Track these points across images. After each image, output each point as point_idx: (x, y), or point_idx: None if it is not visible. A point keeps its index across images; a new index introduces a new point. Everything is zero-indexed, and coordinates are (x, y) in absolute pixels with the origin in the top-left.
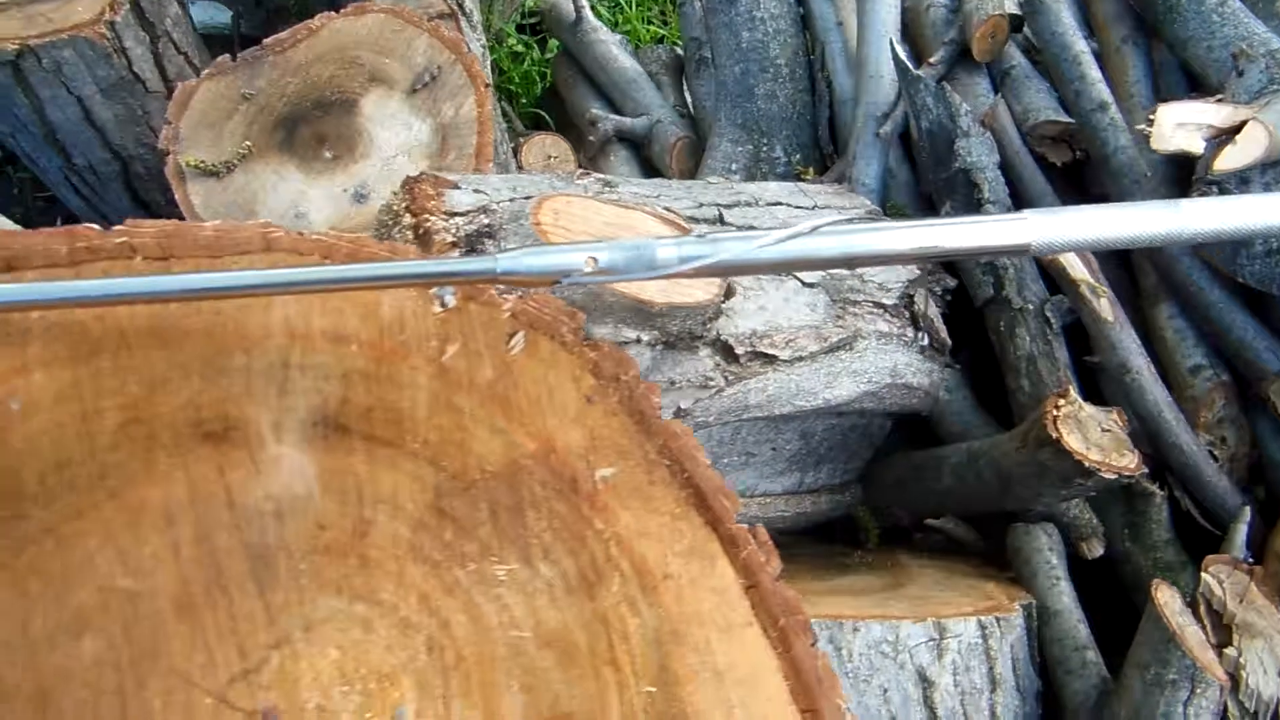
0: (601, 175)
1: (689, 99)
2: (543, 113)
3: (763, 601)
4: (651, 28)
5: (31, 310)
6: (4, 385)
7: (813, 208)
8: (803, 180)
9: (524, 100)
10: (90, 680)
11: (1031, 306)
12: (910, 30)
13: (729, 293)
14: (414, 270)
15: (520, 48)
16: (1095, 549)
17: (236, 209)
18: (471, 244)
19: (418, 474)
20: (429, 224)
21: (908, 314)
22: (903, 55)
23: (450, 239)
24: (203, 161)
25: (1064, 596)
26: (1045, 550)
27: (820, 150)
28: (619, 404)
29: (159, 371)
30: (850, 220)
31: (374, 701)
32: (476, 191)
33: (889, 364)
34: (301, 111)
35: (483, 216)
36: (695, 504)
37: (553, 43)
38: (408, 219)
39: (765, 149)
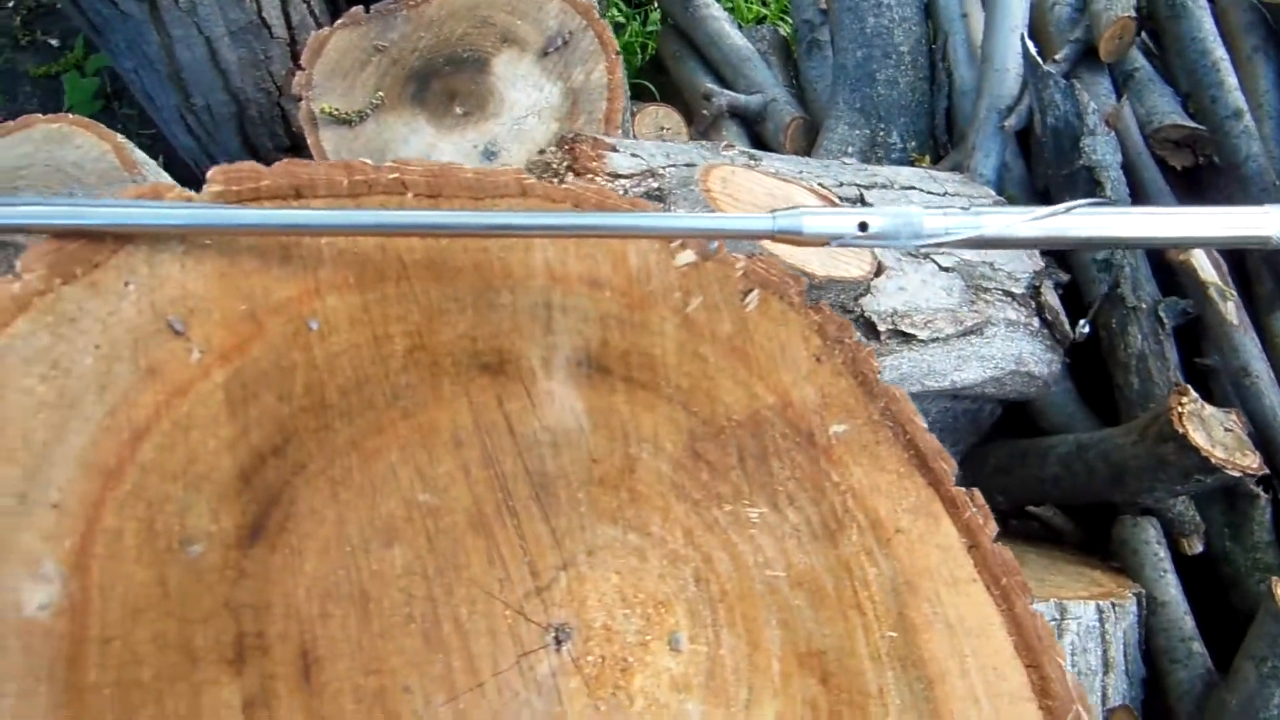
0: (744, 149)
1: (798, 80)
2: (647, 84)
3: (984, 561)
4: (754, 7)
5: (324, 235)
6: (303, 306)
7: (943, 194)
8: (917, 167)
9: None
10: (403, 586)
11: (1145, 306)
12: (1034, 27)
13: (879, 270)
14: (692, 225)
15: (621, 19)
16: (1195, 546)
17: (368, 157)
18: None
19: (673, 417)
20: (595, 184)
21: (1034, 304)
22: (1033, 51)
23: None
24: (336, 109)
25: (1171, 588)
26: (1153, 543)
27: (935, 139)
28: (844, 365)
29: (435, 302)
30: (1103, 203)
31: (653, 625)
32: (634, 156)
33: (1015, 351)
34: (434, 67)
35: (651, 180)
36: (917, 465)
37: (654, 15)
38: (570, 178)
39: (882, 134)
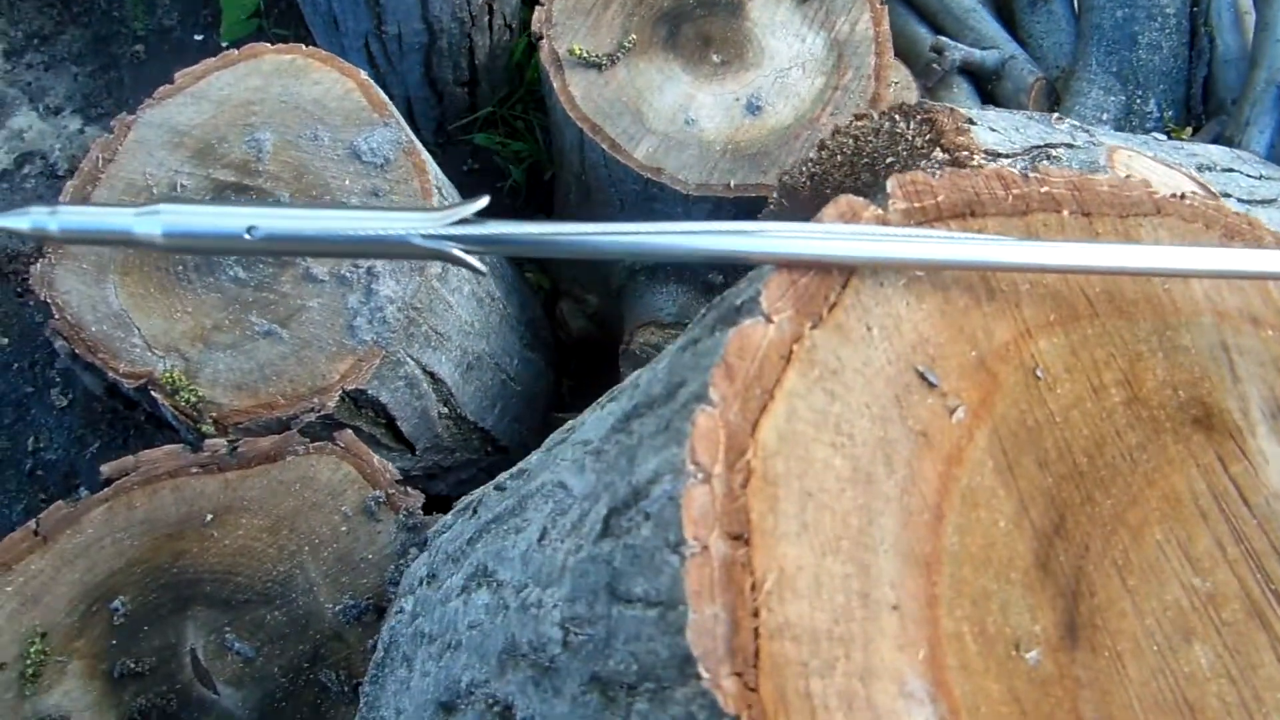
0: (1075, 122)
1: (1016, 34)
2: None
3: None
4: None
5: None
6: (1022, 350)
7: (1259, 177)
8: (1175, 138)
9: None
10: (1215, 691)
11: None
12: None
13: None
14: None
15: None
16: None
17: (620, 106)
18: None
19: None
20: (972, 163)
21: None
22: None
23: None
24: (586, 51)
25: None
26: None
27: (1189, 109)
28: None
29: (1129, 344)
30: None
31: None
32: (993, 130)
33: None
34: (685, 8)
35: (1046, 163)
36: None
37: None
38: (939, 154)
39: (1139, 101)
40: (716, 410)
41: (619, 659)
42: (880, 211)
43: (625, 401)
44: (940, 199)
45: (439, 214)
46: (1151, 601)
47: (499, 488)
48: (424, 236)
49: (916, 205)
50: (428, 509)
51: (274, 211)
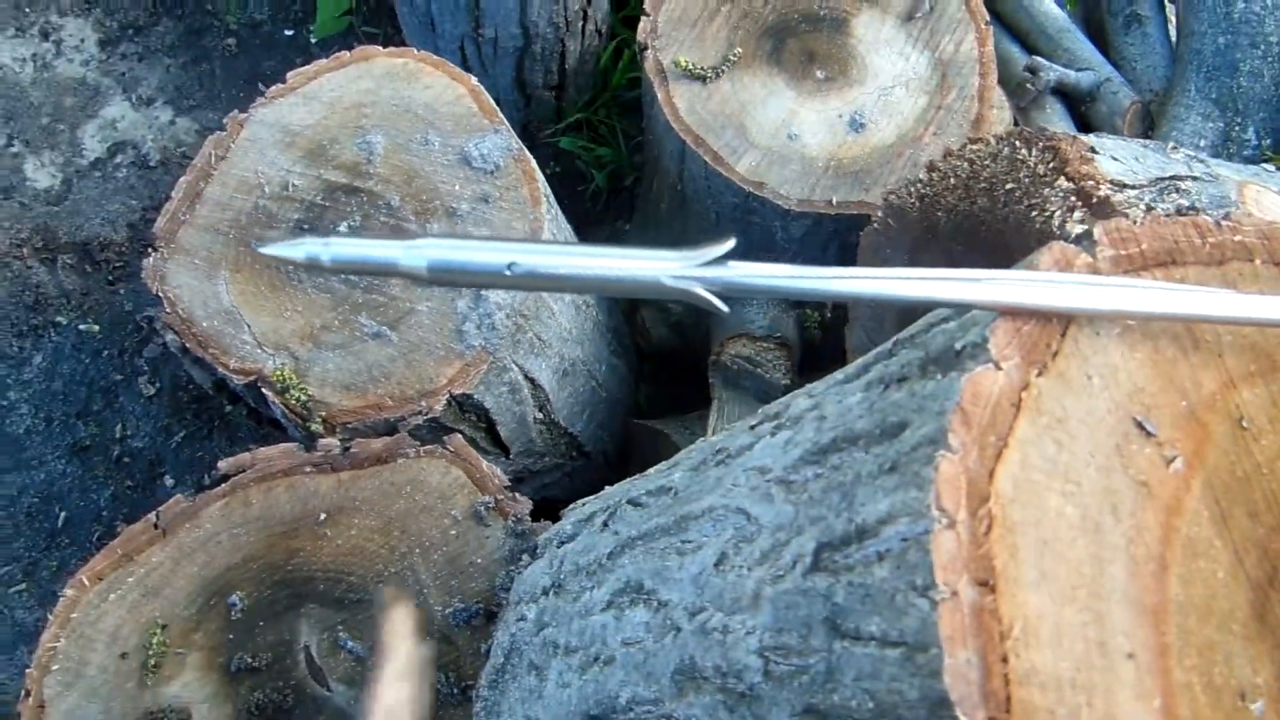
0: (1188, 151)
1: (1109, 56)
2: None
3: None
4: None
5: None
6: (1228, 400)
7: None
8: (1276, 165)
9: None
10: None
11: None
12: None
13: None
14: None
15: None
16: None
17: (724, 119)
18: None
19: None
20: (1100, 193)
21: None
22: None
23: (1143, 217)
24: (692, 64)
25: None
26: None
27: None
28: None
29: None
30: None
31: None
32: (1115, 160)
33: None
34: (789, 23)
35: (1175, 195)
36: None
37: None
38: (1064, 183)
39: (1238, 129)
40: (957, 456)
41: (847, 694)
42: (1091, 259)
43: (811, 432)
44: (1144, 247)
45: (687, 255)
46: None
47: (636, 504)
48: (673, 278)
49: (1123, 253)
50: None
51: (534, 247)
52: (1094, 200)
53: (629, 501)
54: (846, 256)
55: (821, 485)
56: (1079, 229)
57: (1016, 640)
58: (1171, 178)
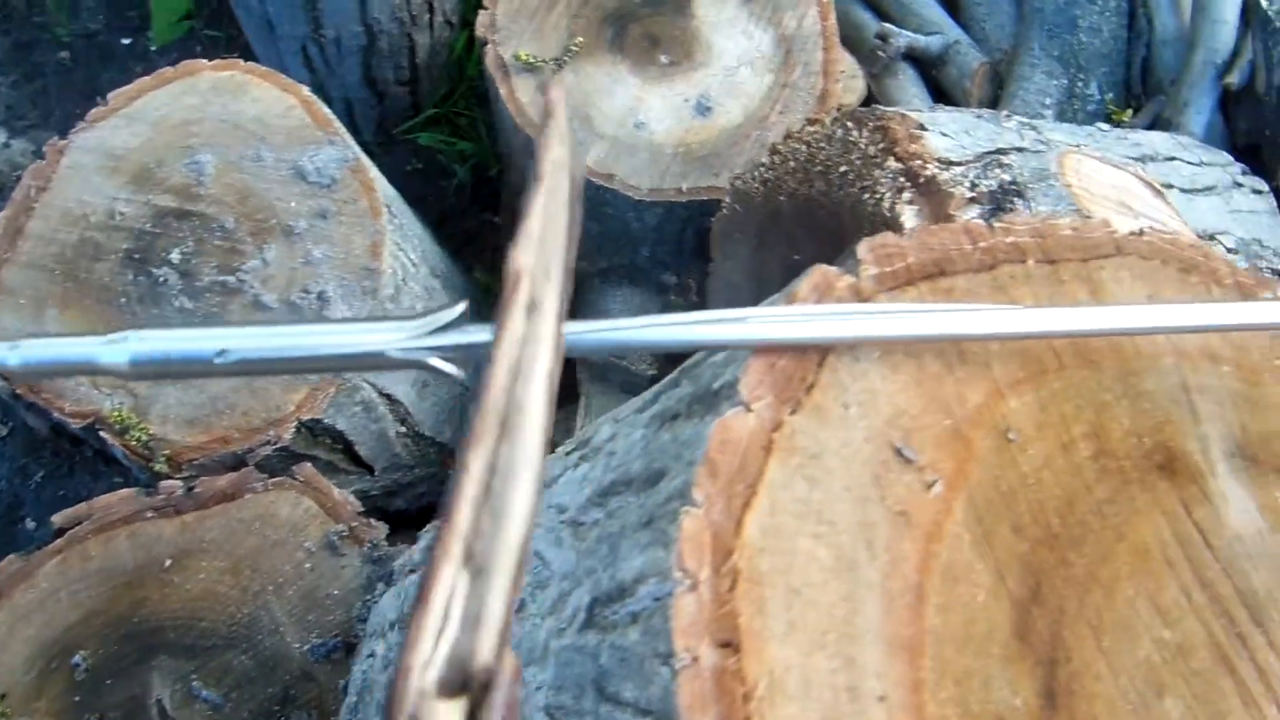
0: (1022, 117)
1: (957, 19)
2: None
3: None
4: None
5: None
6: (993, 413)
7: (1199, 164)
8: (1115, 122)
9: None
10: None
11: None
12: None
13: None
14: None
15: None
16: None
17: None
18: (997, 203)
19: None
20: (926, 172)
21: None
22: (1265, 3)
23: (967, 194)
24: (531, 56)
25: None
26: None
27: (1129, 90)
28: None
29: (1094, 394)
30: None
31: None
32: (944, 135)
33: None
34: (630, 7)
35: (998, 170)
36: None
37: None
38: (893, 163)
39: (1080, 85)
40: (701, 511)
41: None
42: (853, 279)
43: (600, 470)
44: (910, 260)
45: (415, 323)
46: (1124, 660)
47: None
48: (400, 350)
49: (888, 270)
50: (391, 528)
51: (246, 332)
52: (920, 180)
53: None
54: (702, 242)
55: (597, 533)
56: (908, 210)
57: (761, 699)
58: (997, 151)
